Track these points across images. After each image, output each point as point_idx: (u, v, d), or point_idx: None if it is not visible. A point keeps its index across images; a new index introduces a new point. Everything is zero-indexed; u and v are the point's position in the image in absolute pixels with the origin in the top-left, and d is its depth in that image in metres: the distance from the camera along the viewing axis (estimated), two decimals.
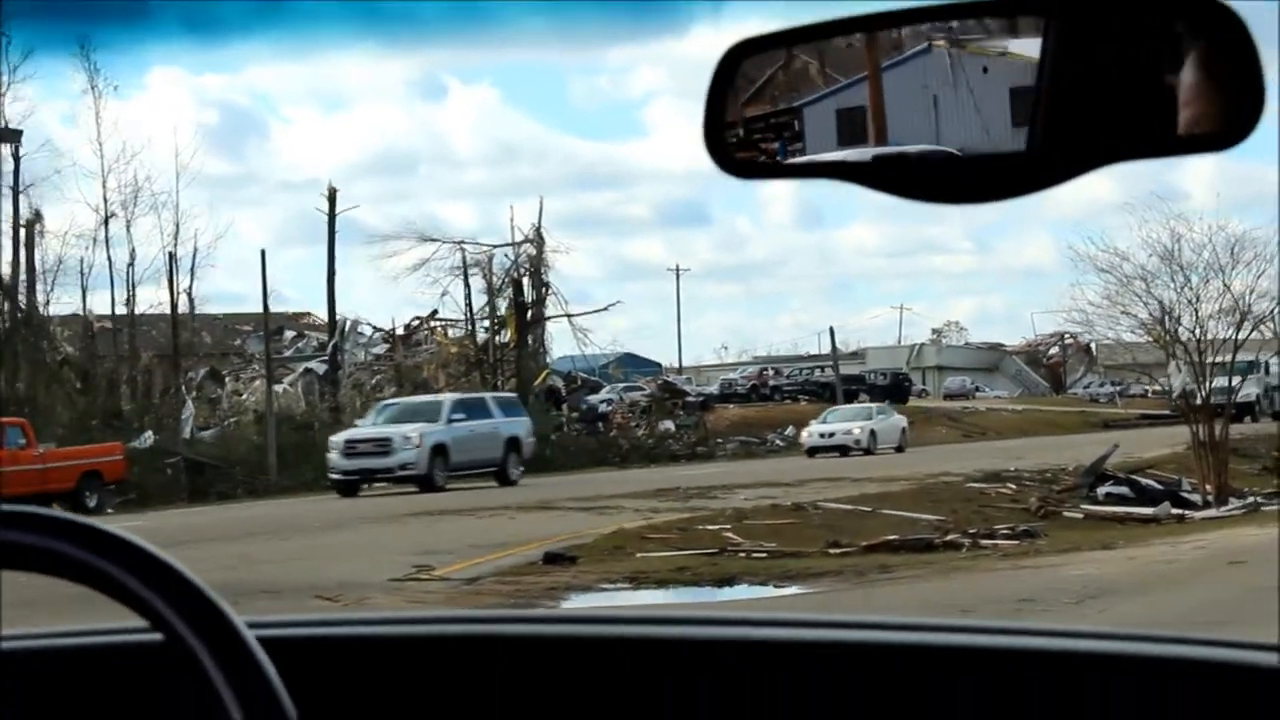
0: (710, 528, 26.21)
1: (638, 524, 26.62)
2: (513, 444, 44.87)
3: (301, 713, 1.66)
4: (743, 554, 23.39)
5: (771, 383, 76.50)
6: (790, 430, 67.40)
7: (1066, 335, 79.56)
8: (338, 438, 44.47)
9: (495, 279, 70.15)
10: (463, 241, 70.27)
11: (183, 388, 61.64)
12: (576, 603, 18.58)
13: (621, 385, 75.49)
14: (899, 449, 55.00)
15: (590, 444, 62.02)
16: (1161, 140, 1.91)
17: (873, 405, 61.75)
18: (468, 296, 69.71)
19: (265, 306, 61.53)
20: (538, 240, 70.32)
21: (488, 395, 49.73)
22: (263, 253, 62.21)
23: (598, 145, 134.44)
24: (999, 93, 1.99)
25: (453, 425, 42.57)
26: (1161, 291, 32.95)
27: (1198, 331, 32.47)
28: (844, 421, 56.73)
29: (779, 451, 61.92)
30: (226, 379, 68.36)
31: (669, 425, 68.14)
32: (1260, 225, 32.77)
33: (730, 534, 25.43)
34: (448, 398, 47.23)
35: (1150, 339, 34.87)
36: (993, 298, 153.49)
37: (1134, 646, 2.17)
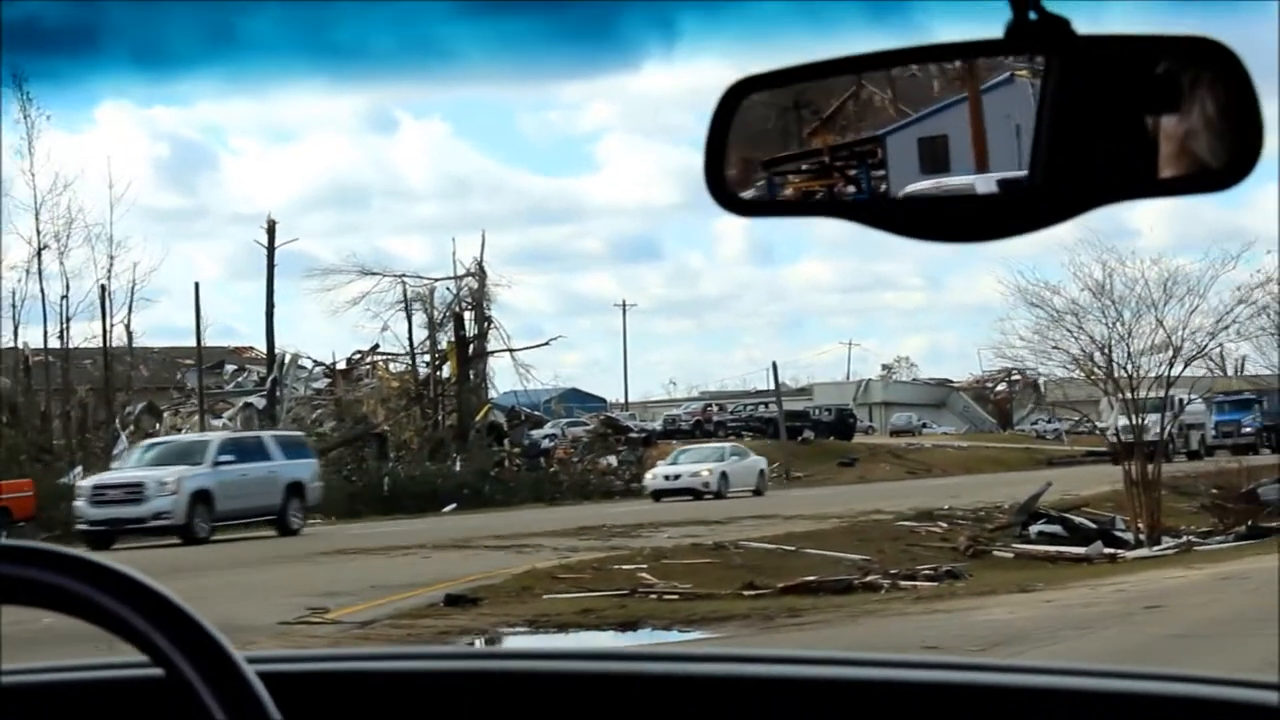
0: (626, 567, 25.45)
1: (551, 564, 25.86)
2: (294, 489, 40.22)
3: None
4: (654, 595, 22.65)
5: (715, 418, 75.83)
6: None
7: (1013, 372, 79.15)
8: (86, 482, 39.65)
9: (436, 313, 69.59)
10: (404, 275, 69.76)
11: (116, 422, 60.77)
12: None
13: (565, 421, 74.90)
14: (757, 492, 51.69)
15: (529, 480, 61.26)
16: (1161, 180, 1.92)
17: (726, 445, 59.07)
18: (409, 331, 69.10)
19: (199, 340, 60.96)
20: (479, 274, 69.74)
21: (266, 434, 44.69)
22: (196, 285, 61.62)
23: (550, 180, 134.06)
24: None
25: (219, 469, 37.94)
26: (1093, 326, 32.40)
27: (1129, 367, 31.89)
28: (693, 463, 53.24)
29: None
30: (165, 413, 67.57)
31: (611, 461, 67.68)
32: (1194, 259, 32.13)
33: (645, 574, 24.68)
34: (216, 437, 42.71)
35: (1082, 374, 34.31)
36: (944, 334, 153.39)
37: (1134, 685, 2.18)
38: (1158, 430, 32.69)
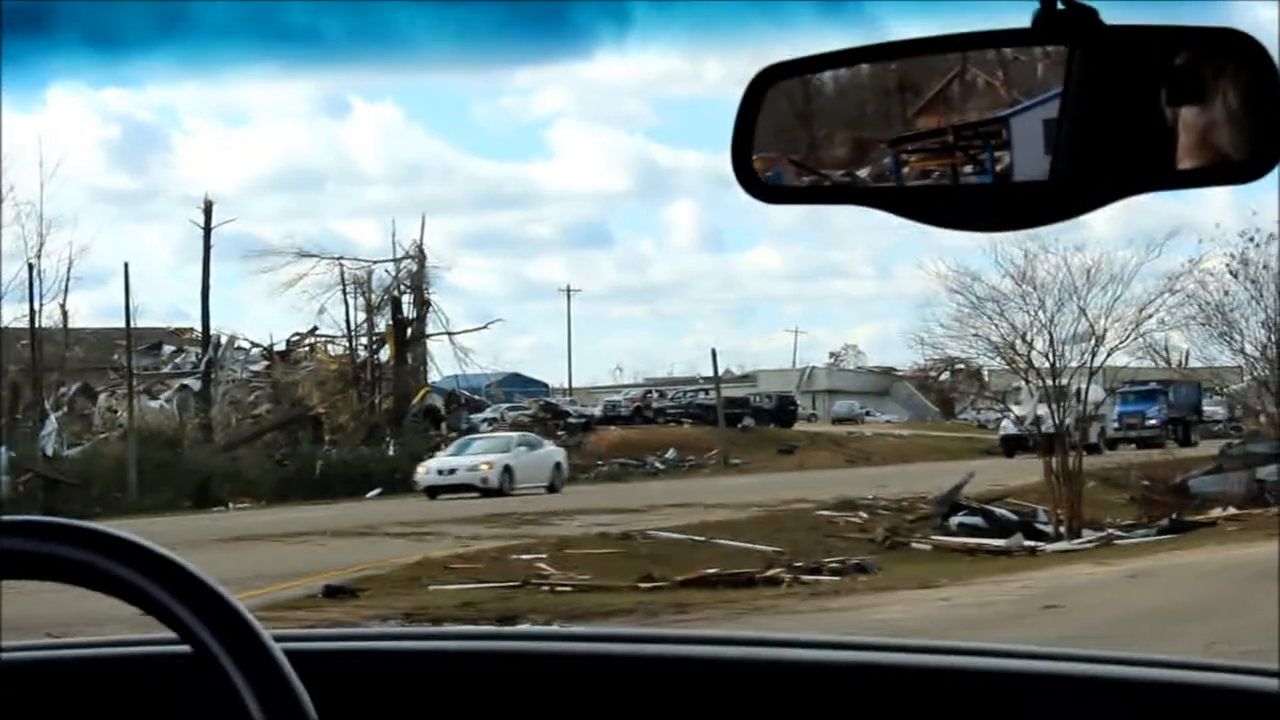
0: (525, 557, 24.63)
1: (446, 553, 24.97)
2: None
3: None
4: (546, 588, 21.83)
5: (655, 405, 74.97)
6: (671, 453, 66.24)
7: (956, 361, 78.50)
8: None
9: (374, 296, 68.68)
10: (341, 257, 68.73)
11: (45, 403, 59.88)
12: None
13: (506, 405, 74.06)
14: (551, 488, 46.04)
15: None
16: (1185, 171, 1.92)
17: (514, 436, 51.99)
18: (347, 314, 68.20)
19: (128, 320, 59.68)
20: (419, 256, 68.83)
21: None
22: (126, 265, 60.45)
23: (502, 166, 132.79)
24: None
25: None
26: (1015, 314, 31.61)
27: (1051, 356, 31.14)
28: (473, 455, 47.68)
29: (658, 474, 60.51)
30: (101, 395, 66.59)
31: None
32: (1118, 248, 31.23)
33: (543, 565, 23.87)
34: None
35: (1003, 363, 33.60)
36: (892, 323, 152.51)
37: (1135, 671, 2.19)
38: (1054, 421, 31.87)
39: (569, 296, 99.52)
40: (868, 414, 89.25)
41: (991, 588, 19.77)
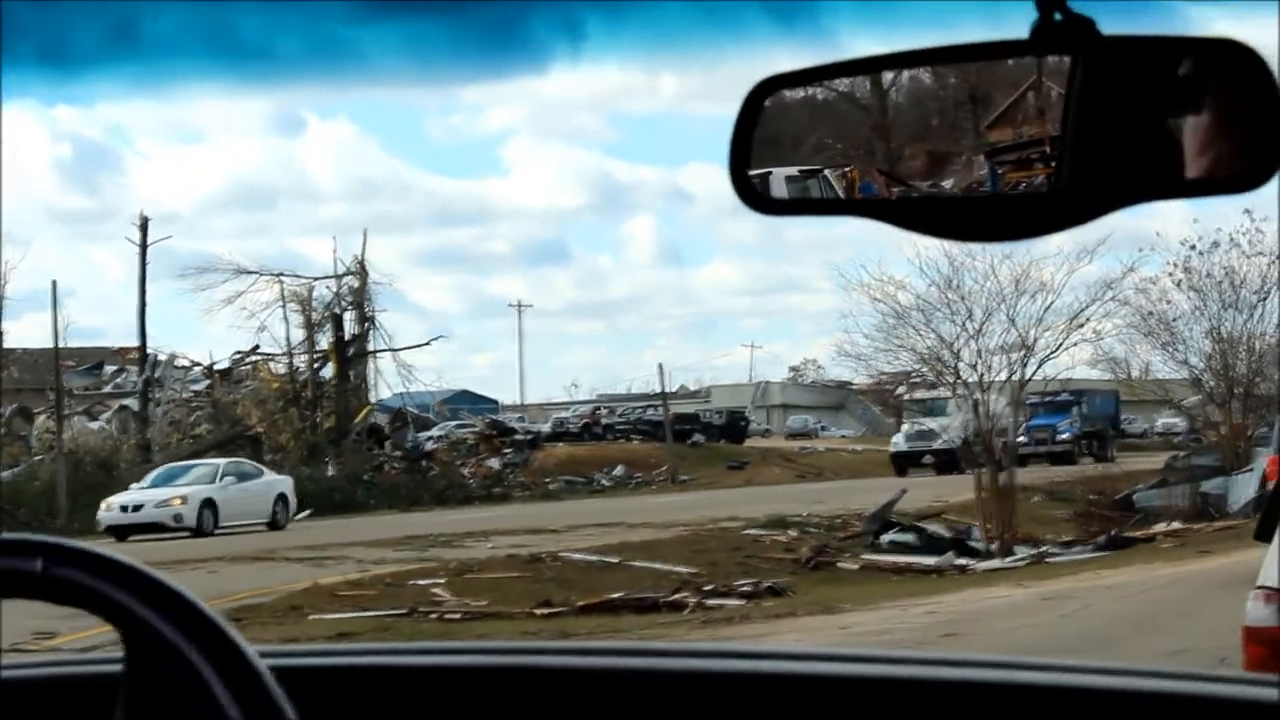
0: (423, 582, 23.42)
1: (338, 579, 23.74)
2: None
3: None
4: (434, 615, 20.63)
5: (605, 421, 73.84)
6: (620, 469, 65.23)
7: (912, 374, 77.52)
8: None
9: (315, 313, 67.41)
10: (281, 274, 67.38)
11: None
12: None
13: (454, 423, 73.01)
14: (273, 525, 39.81)
15: (405, 483, 59.39)
16: (1184, 181, 1.92)
17: (221, 462, 43.30)
18: (286, 331, 66.94)
19: (55, 339, 58.36)
20: (361, 272, 67.57)
21: None
22: (54, 283, 59.14)
23: (457, 183, 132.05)
24: None
25: None
26: (941, 324, 30.43)
27: (979, 367, 29.99)
28: (169, 487, 40.19)
29: (603, 491, 59.46)
30: (40, 416, 65.30)
31: (494, 464, 65.97)
32: (1047, 257, 29.88)
33: (439, 590, 22.67)
34: None
35: (930, 374, 32.48)
36: (853, 336, 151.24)
37: (1136, 682, 2.19)
38: (947, 438, 30.70)
39: (519, 312, 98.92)
40: (822, 428, 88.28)
41: (896, 613, 18.57)
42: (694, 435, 70.97)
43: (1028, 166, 2.02)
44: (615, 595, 21.78)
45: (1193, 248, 36.58)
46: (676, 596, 21.77)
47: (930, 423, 55.16)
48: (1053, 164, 1.95)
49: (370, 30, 3.41)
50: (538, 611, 20.82)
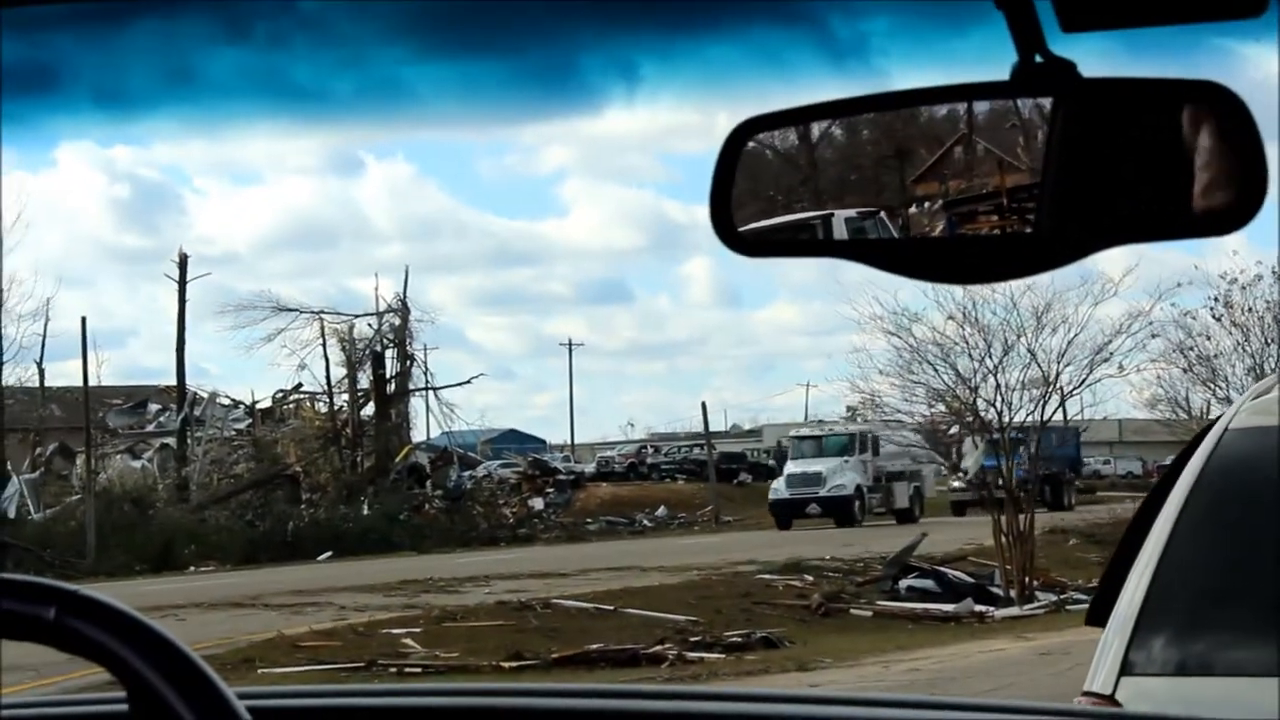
0: (396, 631, 22.22)
1: (305, 629, 22.54)
2: None
3: None
4: (394, 669, 19.43)
5: (650, 460, 72.62)
6: (661, 510, 64.05)
7: (965, 412, 75.98)
8: None
9: (356, 351, 66.50)
10: (322, 311, 66.54)
11: (8, 465, 58.35)
12: None
13: (497, 463, 71.99)
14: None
15: (445, 523, 58.52)
16: (1167, 223, 1.93)
17: None
18: (326, 369, 66.14)
19: (85, 377, 57.69)
20: (402, 310, 66.64)
21: None
22: (83, 320, 58.36)
23: (513, 223, 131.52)
24: None
25: None
26: (958, 359, 29.05)
27: (999, 403, 28.58)
28: None
29: (644, 533, 58.17)
30: (79, 455, 64.76)
31: (536, 504, 64.99)
32: (1070, 287, 28.28)
33: (409, 641, 21.47)
34: None
35: (947, 412, 31.10)
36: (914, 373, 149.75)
37: None
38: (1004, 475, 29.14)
39: (570, 351, 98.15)
40: None
41: (877, 670, 17.27)
42: (740, 475, 69.67)
43: (1008, 209, 1.99)
44: (594, 647, 20.54)
45: (1233, 281, 35.06)
46: (658, 648, 20.50)
47: (818, 465, 53.16)
48: (1033, 206, 1.92)
49: (424, 71, 3.45)
50: (506, 665, 19.59)
